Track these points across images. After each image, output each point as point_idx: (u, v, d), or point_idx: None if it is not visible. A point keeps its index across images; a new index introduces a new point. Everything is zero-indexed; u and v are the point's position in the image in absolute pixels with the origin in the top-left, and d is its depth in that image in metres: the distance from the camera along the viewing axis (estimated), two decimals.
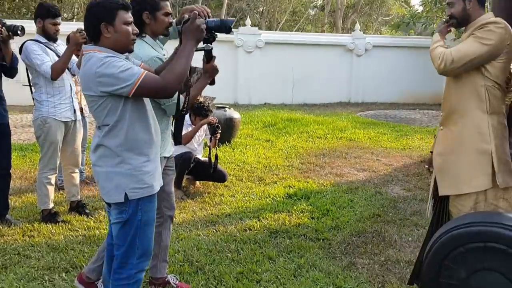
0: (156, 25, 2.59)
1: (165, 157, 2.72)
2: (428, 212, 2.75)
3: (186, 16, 2.21)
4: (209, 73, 2.50)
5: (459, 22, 2.63)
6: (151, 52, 2.55)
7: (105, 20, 2.12)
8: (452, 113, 2.58)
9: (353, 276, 3.12)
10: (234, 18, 2.49)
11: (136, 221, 2.21)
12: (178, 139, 2.60)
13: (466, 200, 2.51)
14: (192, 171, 4.94)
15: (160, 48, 2.66)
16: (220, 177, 4.96)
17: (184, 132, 4.66)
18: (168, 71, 2.10)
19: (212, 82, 2.55)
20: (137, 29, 2.21)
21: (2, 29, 3.51)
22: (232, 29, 2.34)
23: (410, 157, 6.74)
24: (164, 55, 2.65)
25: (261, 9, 22.30)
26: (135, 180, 2.19)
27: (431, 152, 2.95)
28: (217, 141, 4.93)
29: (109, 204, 2.27)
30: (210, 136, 5.00)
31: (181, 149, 4.89)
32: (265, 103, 12.95)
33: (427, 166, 3.02)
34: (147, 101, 2.25)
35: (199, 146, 5.11)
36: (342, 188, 5.11)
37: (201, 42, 2.28)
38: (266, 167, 6.04)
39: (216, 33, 2.32)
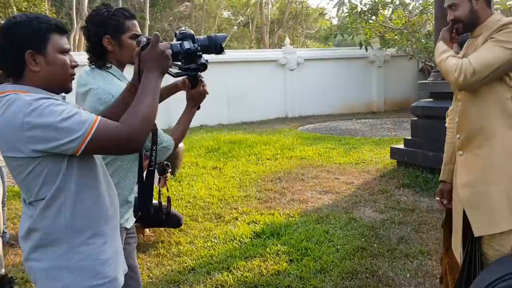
0: (121, 52, 1.98)
1: (125, 228, 2.03)
2: (460, 258, 2.26)
3: (144, 39, 1.57)
4: (195, 100, 1.87)
5: (466, 25, 2.20)
6: (123, 86, 1.89)
7: (32, 46, 1.45)
8: (475, 134, 2.13)
9: None
10: (225, 34, 1.86)
11: None
12: (145, 206, 1.89)
13: (505, 239, 2.06)
14: (140, 218, 4.17)
15: (127, 81, 2.00)
16: (174, 222, 4.23)
17: None
18: (131, 115, 1.43)
19: (198, 107, 1.91)
20: (75, 60, 1.54)
21: None
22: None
23: (368, 172, 6.41)
24: None
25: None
26: (92, 274, 1.50)
27: (440, 181, 2.50)
28: (166, 181, 4.22)
29: None
30: (158, 176, 4.28)
31: None
32: (201, 126, 12.30)
33: (438, 198, 2.55)
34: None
35: None
36: (312, 217, 4.59)
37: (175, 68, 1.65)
38: (221, 200, 5.39)
39: (204, 58, 1.70)
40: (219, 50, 1.76)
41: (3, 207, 3.96)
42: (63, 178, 1.45)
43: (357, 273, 3.32)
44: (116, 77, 1.99)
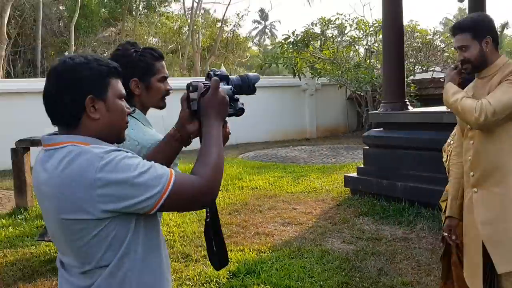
0: (149, 95, 1.83)
1: None
2: None
3: (201, 84, 1.43)
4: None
5: (474, 66, 2.28)
6: (152, 134, 1.75)
7: (92, 91, 1.27)
8: (491, 172, 2.18)
9: None
10: (258, 74, 1.74)
11: None
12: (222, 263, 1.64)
13: None
14: None
15: (150, 126, 1.79)
16: None
17: None
18: (204, 166, 1.29)
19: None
20: (129, 106, 1.37)
21: None
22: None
23: (323, 201, 6.46)
24: None
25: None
26: None
27: (447, 217, 2.54)
28: None
29: None
30: None
31: None
32: None
33: (446, 234, 2.58)
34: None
35: None
36: (284, 252, 4.48)
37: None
38: (183, 237, 5.12)
39: (241, 102, 1.57)
40: (252, 90, 1.66)
41: None
42: (130, 241, 1.27)
43: None
44: (139, 121, 1.80)
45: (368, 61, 14.58)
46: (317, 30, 15.16)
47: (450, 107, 2.28)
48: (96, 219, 1.20)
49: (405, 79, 7.04)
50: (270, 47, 35.20)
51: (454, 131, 2.90)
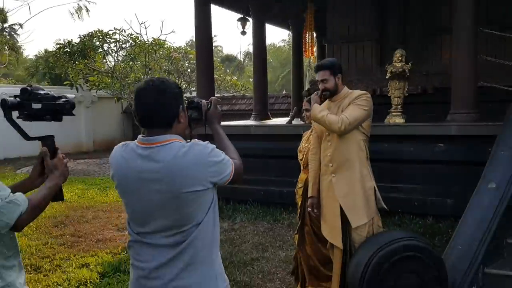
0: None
1: None
2: (340, 244, 3.32)
3: (203, 101, 2.04)
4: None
5: (331, 93, 3.39)
6: None
7: (182, 103, 1.80)
8: (344, 163, 3.30)
9: None
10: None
11: None
12: None
13: (363, 229, 3.28)
14: None
15: None
16: None
17: None
18: (234, 154, 1.94)
19: None
20: None
21: None
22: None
23: None
24: None
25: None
26: (224, 278, 1.87)
27: (310, 197, 3.56)
28: None
29: None
30: None
31: None
32: None
33: (310, 209, 3.59)
34: None
35: None
36: None
37: None
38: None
39: None
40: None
41: None
42: (212, 205, 1.79)
43: None
44: None
45: (145, 77, 15.26)
46: (95, 42, 15.06)
47: (318, 121, 3.32)
48: (206, 189, 1.72)
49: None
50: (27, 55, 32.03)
51: (303, 138, 4.01)
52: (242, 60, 42.07)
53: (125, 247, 4.96)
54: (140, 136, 1.78)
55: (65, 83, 14.64)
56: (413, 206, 5.46)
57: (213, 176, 1.73)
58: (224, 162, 1.78)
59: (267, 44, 9.80)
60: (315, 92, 3.49)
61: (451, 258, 3.51)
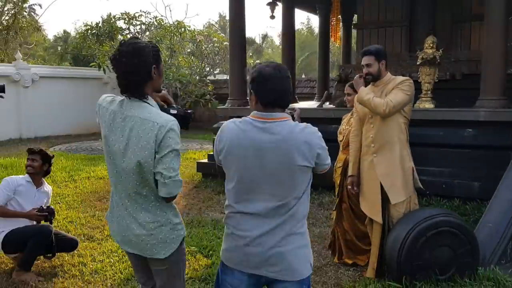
0: (158, 80, 2.20)
1: None
2: (380, 219, 3.59)
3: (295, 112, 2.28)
4: None
5: (374, 78, 3.62)
6: (166, 115, 2.17)
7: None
8: (385, 144, 3.54)
9: None
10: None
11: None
12: None
13: (402, 206, 3.54)
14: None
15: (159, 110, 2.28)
16: (71, 245, 4.14)
17: None
18: None
19: None
20: None
21: None
22: None
23: None
24: None
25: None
26: (310, 250, 2.14)
27: (350, 176, 3.82)
28: None
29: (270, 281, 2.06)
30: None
31: (15, 221, 3.83)
32: None
33: (350, 187, 3.86)
34: None
35: None
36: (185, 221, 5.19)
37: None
38: (73, 222, 5.25)
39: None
40: None
41: None
42: (309, 183, 2.05)
43: None
44: (153, 106, 2.18)
45: (171, 60, 15.49)
46: (120, 24, 15.33)
47: (364, 103, 3.54)
48: (310, 167, 1.97)
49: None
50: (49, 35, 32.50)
51: (343, 120, 4.25)
52: (260, 43, 42.06)
53: None
54: (255, 112, 2.01)
55: (91, 64, 14.99)
56: (441, 188, 5.67)
57: (317, 158, 1.96)
58: (326, 152, 2.02)
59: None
60: (358, 75, 3.71)
61: (482, 234, 3.75)
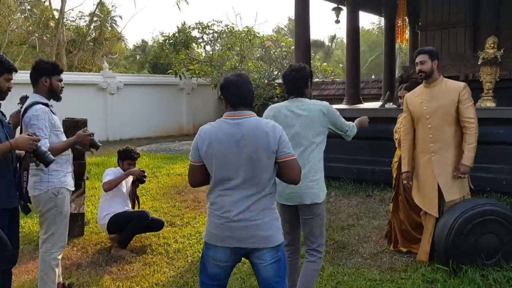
0: None
1: None
2: (436, 214, 3.93)
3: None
4: None
5: (426, 75, 3.94)
6: None
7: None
8: (443, 145, 3.85)
9: None
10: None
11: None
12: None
13: (455, 201, 3.85)
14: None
15: None
16: (159, 224, 4.86)
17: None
18: None
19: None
20: None
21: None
22: None
23: None
24: None
25: None
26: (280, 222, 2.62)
27: (404, 172, 4.17)
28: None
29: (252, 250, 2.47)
30: (137, 184, 4.89)
31: (116, 207, 4.60)
32: None
33: (405, 182, 4.22)
34: None
35: (126, 199, 4.83)
36: None
37: None
38: (157, 211, 6.01)
39: None
40: None
41: None
42: (275, 168, 2.48)
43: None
44: None
45: (241, 65, 16.27)
46: (195, 33, 16.36)
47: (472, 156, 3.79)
48: (274, 153, 2.40)
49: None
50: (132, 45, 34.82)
51: (398, 120, 4.60)
52: (329, 45, 42.09)
53: None
54: (227, 113, 2.47)
55: (168, 71, 16.13)
56: (502, 185, 5.78)
57: (278, 146, 2.40)
58: (286, 142, 2.43)
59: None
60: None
61: None
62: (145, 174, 4.81)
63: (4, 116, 2.96)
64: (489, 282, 3.50)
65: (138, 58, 36.53)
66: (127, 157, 4.82)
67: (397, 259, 4.28)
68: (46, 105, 3.15)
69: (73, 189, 3.34)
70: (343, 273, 3.93)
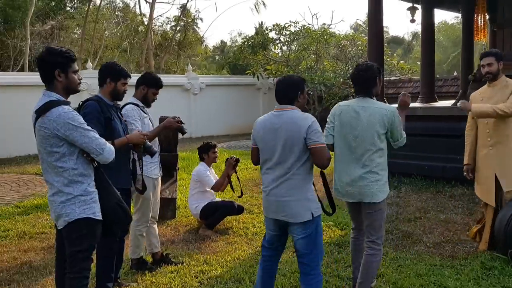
0: None
1: None
2: (493, 203, 4.18)
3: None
4: None
5: (493, 76, 4.17)
6: None
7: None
8: (500, 138, 4.08)
9: None
10: None
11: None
12: None
13: None
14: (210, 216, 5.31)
15: None
16: (240, 208, 5.51)
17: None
18: None
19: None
20: None
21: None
22: None
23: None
24: None
25: None
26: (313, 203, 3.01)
27: (466, 164, 4.43)
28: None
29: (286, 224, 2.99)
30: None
31: (205, 198, 5.31)
32: None
33: (465, 173, 4.49)
34: None
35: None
36: None
37: None
38: (236, 200, 6.67)
39: None
40: None
41: None
42: (309, 155, 2.94)
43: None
44: None
45: (316, 64, 16.63)
46: (272, 34, 16.99)
47: (482, 114, 4.08)
48: (304, 140, 2.86)
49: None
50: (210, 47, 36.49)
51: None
52: (409, 41, 40.94)
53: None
54: (276, 106, 3.05)
55: (246, 72, 16.91)
56: None
57: (308, 135, 2.86)
58: (316, 132, 2.88)
59: (438, 22, 10.20)
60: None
61: None
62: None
63: (122, 114, 3.68)
64: None
65: (217, 58, 38.09)
66: (210, 147, 5.49)
67: (459, 248, 4.53)
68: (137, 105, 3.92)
69: (156, 177, 4.02)
70: (405, 258, 4.28)
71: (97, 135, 2.65)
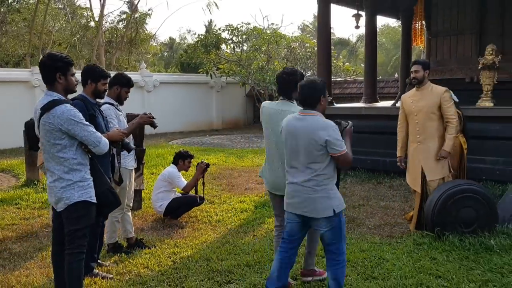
0: None
1: None
2: (419, 189, 4.91)
3: (344, 122, 3.48)
4: None
5: (419, 82, 4.91)
6: None
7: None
8: (427, 136, 4.81)
9: None
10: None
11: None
12: None
13: (436, 181, 4.82)
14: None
15: None
16: (201, 199, 5.97)
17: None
18: (349, 150, 3.25)
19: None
20: None
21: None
22: None
23: None
24: None
25: None
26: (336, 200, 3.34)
27: (398, 156, 5.15)
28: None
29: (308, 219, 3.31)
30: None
31: (168, 196, 5.73)
32: None
33: (399, 164, 5.20)
34: None
35: None
36: None
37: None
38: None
39: None
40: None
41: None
42: (328, 157, 3.32)
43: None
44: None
45: (267, 65, 17.23)
46: (224, 34, 17.46)
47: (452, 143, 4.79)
48: (324, 146, 3.14)
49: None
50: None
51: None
52: (354, 43, 42.64)
53: (266, 193, 6.95)
54: (300, 110, 3.36)
55: (199, 70, 17.28)
56: (496, 175, 6.66)
57: (327, 142, 3.07)
58: (336, 140, 3.08)
59: (381, 25, 11.04)
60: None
61: (504, 202, 4.88)
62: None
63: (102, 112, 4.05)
64: (465, 244, 4.46)
65: (165, 55, 37.90)
66: (187, 157, 5.91)
67: (396, 229, 5.25)
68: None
69: (132, 168, 4.43)
70: (351, 238, 4.94)
71: (94, 130, 3.07)
